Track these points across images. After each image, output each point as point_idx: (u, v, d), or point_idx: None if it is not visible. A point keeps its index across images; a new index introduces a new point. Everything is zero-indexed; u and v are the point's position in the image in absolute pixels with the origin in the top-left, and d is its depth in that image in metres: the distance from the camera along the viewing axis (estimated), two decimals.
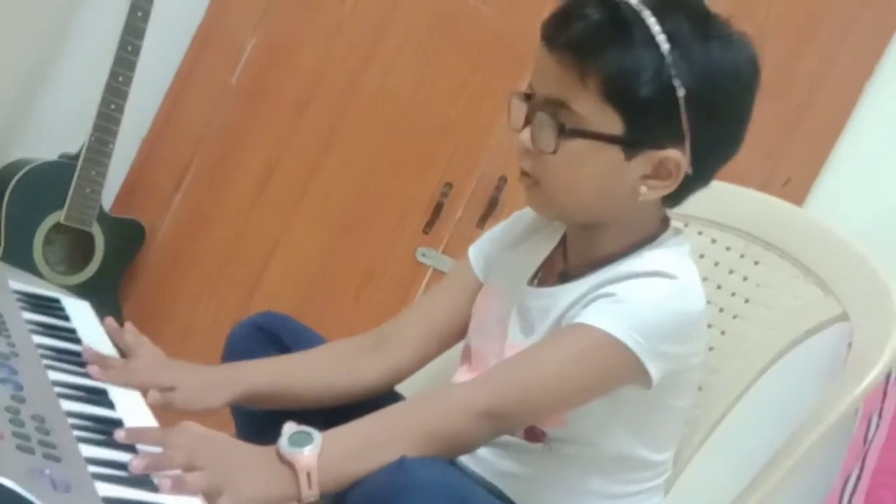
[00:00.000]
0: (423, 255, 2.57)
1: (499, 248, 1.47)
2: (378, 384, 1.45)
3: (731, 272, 1.50)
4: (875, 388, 2.54)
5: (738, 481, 1.38)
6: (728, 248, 1.51)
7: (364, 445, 1.18)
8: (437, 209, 2.56)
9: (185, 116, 2.61)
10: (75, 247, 2.45)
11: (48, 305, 1.41)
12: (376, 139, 2.59)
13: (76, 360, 1.25)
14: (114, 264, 2.49)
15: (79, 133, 2.39)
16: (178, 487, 1.03)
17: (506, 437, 1.34)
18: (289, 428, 1.17)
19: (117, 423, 1.11)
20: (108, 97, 2.36)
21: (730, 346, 1.45)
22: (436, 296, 1.52)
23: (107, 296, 2.45)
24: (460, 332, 1.47)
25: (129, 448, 1.06)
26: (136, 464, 1.02)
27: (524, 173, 1.29)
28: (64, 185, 2.37)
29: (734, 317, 1.47)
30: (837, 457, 2.49)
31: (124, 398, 1.20)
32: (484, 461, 1.35)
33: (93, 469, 0.98)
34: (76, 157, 2.38)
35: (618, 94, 1.19)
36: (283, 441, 1.15)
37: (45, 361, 1.20)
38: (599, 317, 1.22)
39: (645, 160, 1.23)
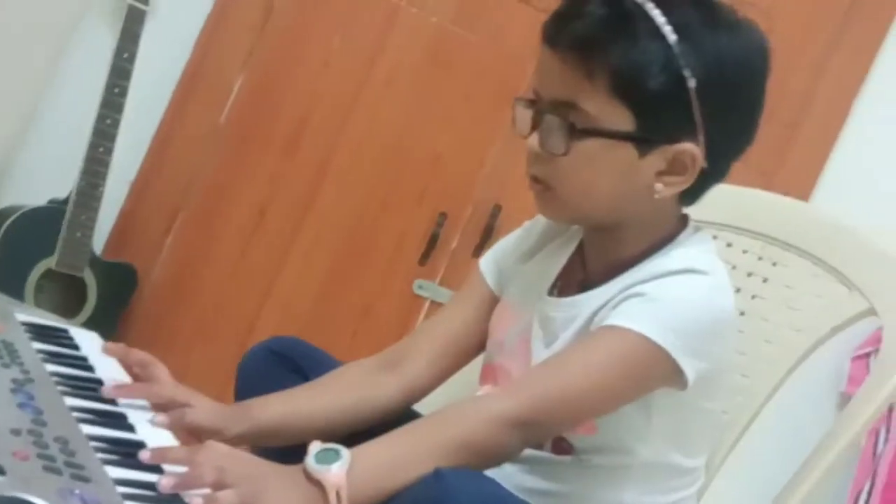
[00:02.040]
0: (420, 287, 2.55)
1: (512, 260, 1.44)
2: (393, 405, 1.40)
3: (749, 275, 1.48)
4: None
5: (770, 485, 1.35)
6: (745, 251, 1.49)
7: (394, 460, 1.14)
8: (433, 240, 2.54)
9: (174, 157, 2.58)
10: (68, 293, 2.41)
11: (57, 335, 1.37)
12: (368, 173, 2.58)
13: (91, 385, 1.21)
14: (108, 309, 2.45)
15: (67, 178, 2.37)
16: None
17: (533, 452, 1.30)
18: (315, 446, 1.13)
19: (140, 446, 1.07)
20: (96, 140, 2.34)
21: (755, 349, 1.42)
22: (448, 311, 1.48)
23: None
24: (476, 347, 1.43)
25: (156, 469, 1.02)
26: (164, 483, 0.99)
27: (535, 180, 1.26)
28: (54, 230, 2.35)
29: (757, 319, 1.45)
30: (847, 473, 2.46)
31: (143, 421, 1.16)
32: (510, 477, 1.31)
33: (121, 490, 0.95)
34: (65, 201, 2.35)
35: (627, 89, 1.17)
36: (310, 459, 1.11)
37: (60, 388, 1.16)
38: (630, 318, 1.18)
39: (659, 156, 1.20)
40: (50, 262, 2.34)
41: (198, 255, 2.60)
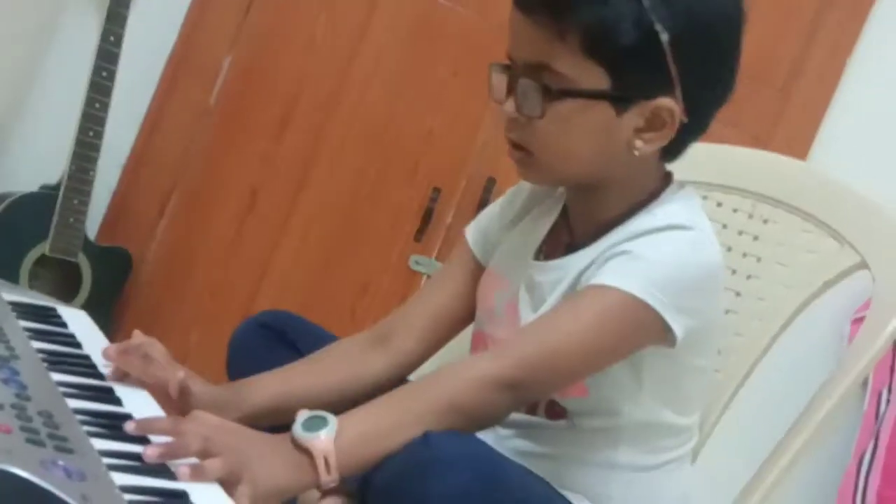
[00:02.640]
0: (417, 262, 2.54)
1: (497, 228, 1.44)
2: (383, 381, 1.39)
3: (740, 233, 1.47)
4: (883, 363, 2.51)
5: (766, 443, 1.34)
6: (735, 210, 1.48)
7: (382, 425, 1.14)
8: (427, 216, 2.53)
9: (165, 140, 2.57)
10: (62, 279, 2.40)
11: (44, 314, 1.36)
12: (360, 151, 2.56)
13: (78, 361, 1.20)
14: (102, 294, 2.44)
15: (58, 163, 2.35)
16: (197, 474, 0.98)
17: (527, 417, 1.30)
18: (302, 414, 1.13)
19: (126, 418, 1.06)
20: (85, 124, 2.32)
21: (747, 306, 1.42)
22: (437, 283, 1.48)
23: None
24: (466, 318, 1.43)
25: (142, 440, 1.02)
26: (150, 452, 0.98)
27: (514, 145, 1.25)
28: (46, 216, 2.33)
29: (748, 277, 1.44)
30: (850, 435, 2.46)
31: (131, 395, 1.16)
32: (504, 441, 1.31)
33: (107, 461, 0.94)
34: (57, 187, 2.34)
35: (599, 46, 1.15)
36: (298, 427, 1.11)
37: (47, 364, 1.16)
38: (617, 276, 1.18)
39: (637, 113, 1.19)
40: (43, 248, 2.33)
41: (192, 237, 2.59)
